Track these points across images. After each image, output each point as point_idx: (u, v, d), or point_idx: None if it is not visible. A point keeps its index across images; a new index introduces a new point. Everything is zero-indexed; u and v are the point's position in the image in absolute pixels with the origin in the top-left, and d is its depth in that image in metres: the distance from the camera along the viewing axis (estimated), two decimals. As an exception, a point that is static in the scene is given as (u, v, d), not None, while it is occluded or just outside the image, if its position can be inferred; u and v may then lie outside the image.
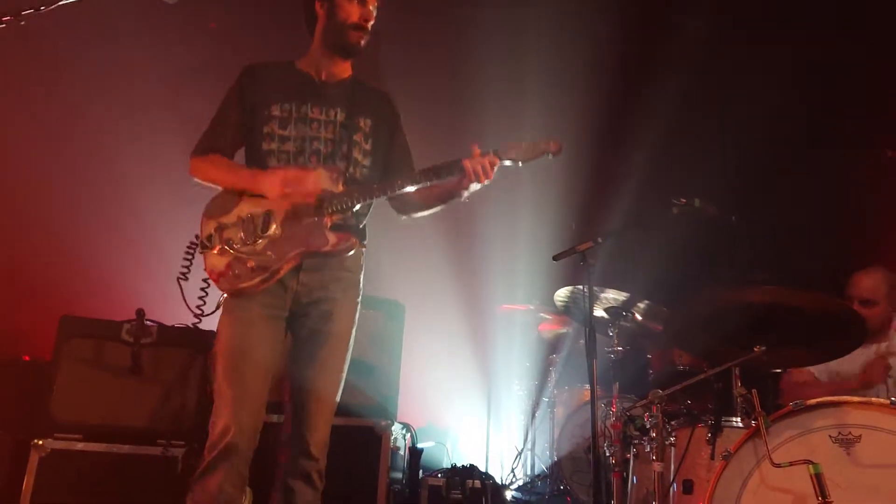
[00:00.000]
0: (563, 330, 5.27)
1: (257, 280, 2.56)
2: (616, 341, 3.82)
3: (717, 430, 2.93)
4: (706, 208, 3.29)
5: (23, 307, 4.81)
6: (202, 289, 2.71)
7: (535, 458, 5.12)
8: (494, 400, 5.46)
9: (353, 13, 2.72)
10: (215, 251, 2.61)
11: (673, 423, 3.21)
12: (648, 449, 3.19)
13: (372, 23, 2.76)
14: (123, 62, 5.00)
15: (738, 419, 3.04)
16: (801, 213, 5.02)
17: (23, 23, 2.18)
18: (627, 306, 3.85)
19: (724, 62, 5.29)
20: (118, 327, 3.69)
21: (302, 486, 2.60)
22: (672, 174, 5.14)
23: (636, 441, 3.39)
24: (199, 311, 2.74)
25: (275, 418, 3.52)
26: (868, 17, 4.88)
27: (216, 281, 2.61)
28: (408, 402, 4.24)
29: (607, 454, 3.41)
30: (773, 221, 4.94)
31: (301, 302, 2.65)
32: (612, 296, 3.79)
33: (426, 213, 2.88)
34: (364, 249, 2.81)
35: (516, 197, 5.69)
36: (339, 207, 2.61)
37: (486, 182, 2.61)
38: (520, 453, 5.18)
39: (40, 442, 3.46)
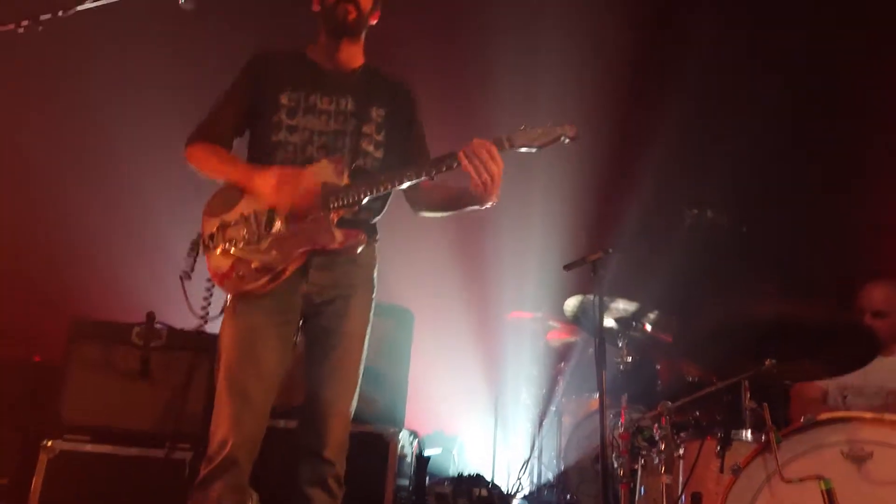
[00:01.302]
0: (572, 339, 5.25)
1: (263, 280, 2.44)
2: (625, 351, 3.81)
3: (726, 443, 2.91)
4: (718, 218, 3.29)
5: (34, 309, 4.84)
6: (207, 289, 2.59)
7: (542, 467, 5.10)
8: (502, 408, 5.44)
9: None
10: (218, 251, 2.51)
11: (682, 434, 3.19)
12: (657, 461, 3.17)
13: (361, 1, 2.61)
14: (138, 67, 5.03)
15: (748, 433, 3.02)
16: (813, 223, 4.99)
17: (41, 28, 2.20)
18: (637, 316, 3.83)
19: (735, 72, 5.27)
20: (128, 330, 3.70)
21: (318, 494, 2.48)
22: (683, 184, 5.13)
23: (644, 452, 3.37)
24: (203, 314, 2.63)
25: (281, 423, 3.56)
26: (885, 21, 4.83)
27: (220, 283, 2.51)
28: (415, 408, 4.24)
29: (615, 465, 3.39)
30: (783, 232, 4.92)
31: (314, 302, 2.54)
32: (622, 306, 3.78)
33: (442, 214, 2.72)
34: (377, 245, 2.69)
35: (526, 205, 5.68)
36: (344, 202, 2.47)
37: (491, 170, 2.37)
38: (526, 462, 5.16)
39: (49, 443, 3.48)
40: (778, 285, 4.28)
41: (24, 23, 2.18)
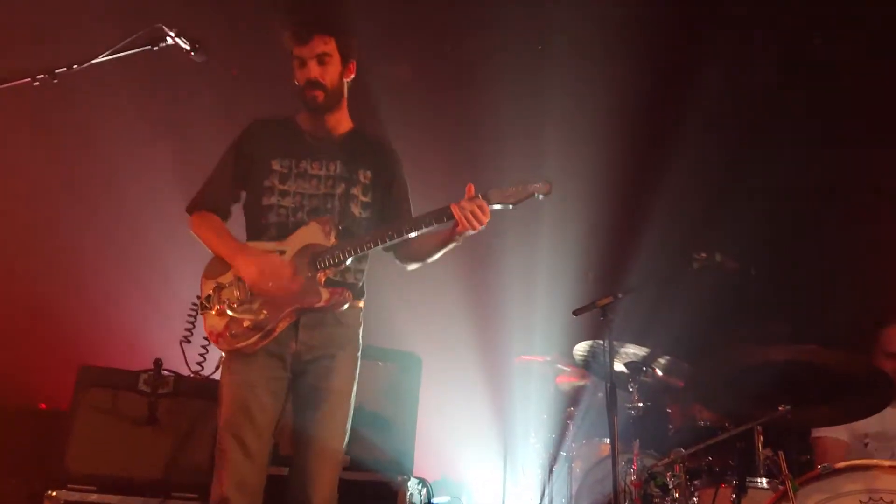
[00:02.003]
0: (582, 382, 5.20)
1: (255, 338, 2.58)
2: (636, 397, 3.77)
3: (741, 491, 2.87)
4: (726, 262, 3.28)
5: (39, 356, 4.83)
6: (203, 346, 2.79)
7: (553, 514, 5.00)
8: (511, 453, 5.37)
9: (299, 77, 2.77)
10: (214, 312, 2.65)
11: (696, 482, 3.14)
12: (671, 509, 3.12)
13: (323, 78, 2.75)
14: (148, 119, 5.10)
15: (764, 480, 2.97)
16: (825, 265, 4.97)
17: (55, 81, 2.24)
18: (648, 361, 3.81)
19: (744, 113, 5.30)
20: (135, 377, 3.68)
21: None
22: (692, 227, 5.12)
23: (657, 500, 3.31)
24: (198, 369, 2.91)
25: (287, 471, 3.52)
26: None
27: (215, 341, 2.65)
28: (423, 454, 4.18)
29: (628, 513, 3.33)
30: (795, 275, 4.90)
31: (302, 360, 2.67)
32: (633, 350, 3.75)
33: (426, 261, 2.84)
34: (362, 306, 2.82)
35: (533, 248, 5.68)
36: (331, 262, 2.62)
37: (481, 227, 2.57)
38: (537, 509, 5.07)
39: (54, 493, 3.43)
40: (791, 329, 4.24)
41: (40, 76, 2.23)
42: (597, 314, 3.13)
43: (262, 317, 2.58)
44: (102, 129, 5.07)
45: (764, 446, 3.03)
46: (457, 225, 2.58)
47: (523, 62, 5.67)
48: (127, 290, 5.02)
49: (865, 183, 5.01)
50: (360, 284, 2.81)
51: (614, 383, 3.04)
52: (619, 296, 3.10)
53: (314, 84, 2.74)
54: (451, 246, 2.71)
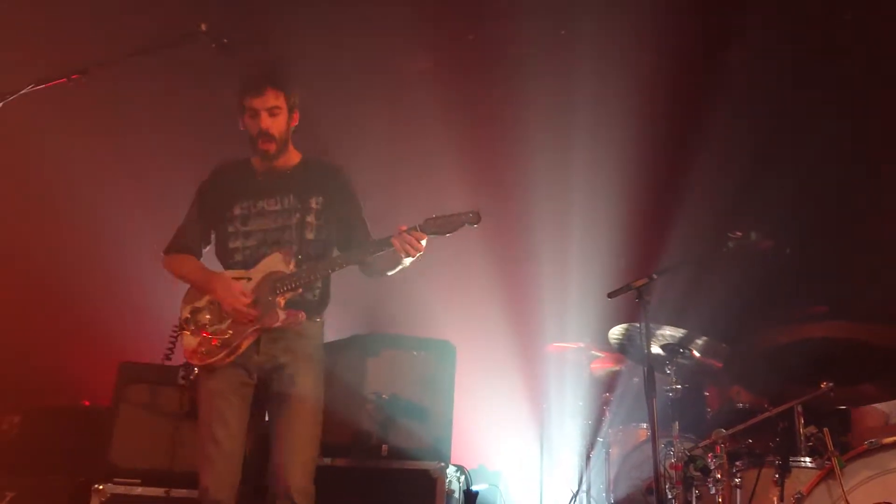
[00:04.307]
0: (617, 368, 5.17)
1: (222, 355, 2.93)
2: (674, 379, 3.73)
3: (785, 470, 2.82)
4: (761, 241, 3.23)
5: (82, 355, 4.92)
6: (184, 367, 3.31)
7: (591, 500, 4.99)
8: (547, 440, 5.35)
9: (251, 127, 3.04)
10: (189, 332, 3.01)
11: (737, 463, 3.11)
12: (713, 491, 3.09)
13: (272, 129, 3.02)
14: (192, 108, 5.15)
15: (808, 459, 2.93)
16: (862, 242, 4.87)
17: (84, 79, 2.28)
18: (685, 343, 3.77)
19: (778, 92, 5.20)
20: (174, 372, 3.74)
21: None
22: (726, 206, 5.05)
23: (698, 482, 3.28)
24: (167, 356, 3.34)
25: (328, 461, 3.57)
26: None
27: (189, 358, 3.00)
28: (460, 442, 4.18)
29: (669, 496, 3.30)
30: (832, 252, 4.81)
31: (265, 368, 2.99)
32: (669, 332, 3.71)
33: (386, 274, 3.10)
34: (321, 320, 3.13)
35: (564, 234, 5.65)
36: (289, 286, 2.94)
37: (417, 255, 2.88)
38: (575, 495, 5.05)
39: (100, 486, 3.53)
40: (828, 307, 4.16)
41: (75, 75, 2.27)
42: (631, 297, 3.10)
43: (227, 336, 2.94)
44: (139, 124, 5.14)
45: (805, 425, 2.99)
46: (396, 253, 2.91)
47: (547, 48, 5.63)
48: (165, 287, 5.09)
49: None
50: (318, 299, 3.10)
51: (652, 366, 3.01)
52: (655, 277, 3.06)
53: (266, 136, 3.02)
54: (399, 267, 3.01)
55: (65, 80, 2.30)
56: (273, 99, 3.01)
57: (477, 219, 2.87)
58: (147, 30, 4.46)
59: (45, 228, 5.16)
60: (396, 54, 5.66)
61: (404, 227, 2.86)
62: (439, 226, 2.88)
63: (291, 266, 2.98)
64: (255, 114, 3.00)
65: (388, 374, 3.85)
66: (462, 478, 4.00)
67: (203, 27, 2.58)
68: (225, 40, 2.71)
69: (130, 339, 4.84)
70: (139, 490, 3.55)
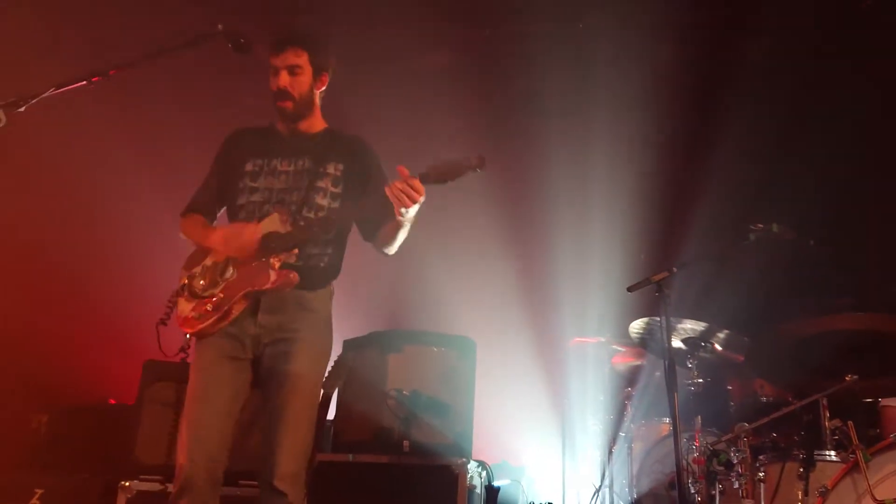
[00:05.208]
0: (638, 362, 5.14)
1: (213, 319, 2.75)
2: (696, 373, 3.71)
3: (810, 464, 2.80)
4: (784, 233, 3.19)
5: (107, 354, 4.99)
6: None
7: (614, 495, 4.97)
8: (569, 435, 5.34)
9: (272, 85, 2.94)
10: (184, 298, 2.86)
11: (761, 457, 3.08)
12: (737, 485, 3.07)
13: (292, 88, 2.91)
14: (215, 104, 5.19)
15: (832, 453, 2.90)
16: (886, 233, 4.80)
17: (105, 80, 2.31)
18: (706, 336, 3.74)
19: (795, 81, 5.13)
20: (199, 370, 3.76)
21: None
22: (746, 199, 5.00)
23: (722, 477, 3.26)
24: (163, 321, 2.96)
25: (350, 457, 3.59)
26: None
27: (182, 325, 2.83)
28: (481, 438, 4.19)
29: (692, 491, 3.29)
30: (856, 244, 4.74)
31: (261, 343, 2.78)
32: (690, 326, 3.69)
33: (392, 244, 2.88)
34: (330, 290, 2.92)
35: (584, 228, 5.63)
36: (281, 246, 2.75)
37: (415, 204, 2.64)
38: (597, 490, 5.04)
39: (127, 483, 3.57)
40: (852, 299, 4.11)
41: (95, 78, 2.30)
42: (652, 290, 3.08)
43: (219, 298, 2.76)
44: (163, 127, 5.19)
45: (830, 419, 2.95)
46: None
47: (565, 41, 5.60)
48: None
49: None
50: (325, 266, 2.90)
51: (673, 360, 3.00)
52: (675, 270, 3.04)
53: (283, 94, 2.92)
54: (402, 229, 2.79)
55: (85, 82, 2.33)
56: (294, 57, 2.91)
57: (480, 162, 2.63)
58: (167, 31, 4.50)
59: (74, 228, 5.22)
60: (412, 50, 5.67)
61: (405, 171, 2.64)
62: (440, 173, 2.65)
63: (288, 227, 2.80)
64: (276, 72, 2.91)
65: (409, 370, 3.85)
66: (484, 473, 4.00)
67: (220, 27, 2.58)
68: (242, 40, 2.71)
69: (155, 338, 4.88)
70: (164, 487, 3.58)
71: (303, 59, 2.92)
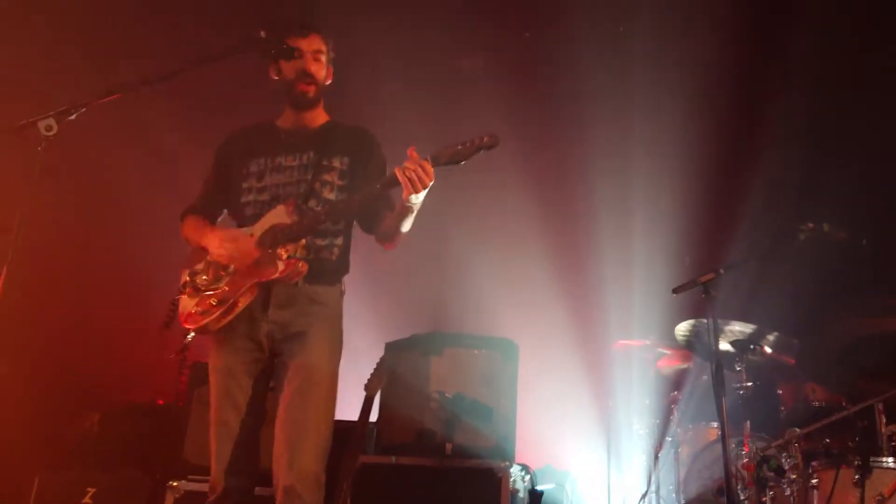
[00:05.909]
0: (684, 365, 5.06)
1: (218, 314, 2.67)
2: (744, 376, 3.64)
3: (866, 471, 2.71)
4: (835, 233, 3.11)
5: (155, 355, 5.07)
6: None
7: (661, 501, 4.89)
8: (614, 440, 5.28)
9: (290, 70, 2.87)
10: (186, 294, 2.79)
11: (814, 463, 3.00)
12: (788, 492, 2.99)
13: (318, 73, 2.89)
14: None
15: (890, 459, 2.80)
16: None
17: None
18: (755, 339, 3.66)
19: (842, 76, 5.01)
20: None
21: None
22: (794, 198, 4.89)
23: (773, 483, 3.18)
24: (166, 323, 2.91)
25: (392, 459, 3.59)
26: None
27: (185, 322, 2.76)
28: (525, 442, 4.17)
29: (741, 497, 3.21)
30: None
31: (275, 339, 2.72)
32: (738, 328, 3.62)
33: (397, 234, 2.80)
34: (341, 288, 2.86)
35: (627, 229, 5.57)
36: (288, 237, 2.69)
37: (424, 189, 2.57)
38: (644, 496, 4.97)
39: (175, 483, 3.63)
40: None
41: (113, 96, 2.36)
42: (698, 292, 3.03)
43: (224, 291, 2.69)
44: (201, 130, 5.28)
45: (887, 424, 2.86)
46: (403, 191, 2.60)
47: (606, 44, 5.56)
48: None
49: None
50: (335, 259, 2.84)
51: (720, 363, 2.94)
52: (722, 271, 2.98)
53: (309, 77, 2.88)
54: (409, 215, 2.70)
55: (119, 95, 2.38)
56: (319, 43, 2.91)
57: (493, 141, 2.54)
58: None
59: (127, 229, 5.33)
60: (452, 51, 5.67)
61: (415, 154, 2.56)
62: (451, 154, 2.57)
63: (294, 217, 2.73)
64: (301, 54, 2.83)
65: (451, 372, 3.85)
66: (527, 477, 3.98)
67: (262, 34, 2.61)
68: (285, 45, 2.74)
69: (203, 340, 4.97)
70: (212, 487, 3.63)
71: (324, 47, 2.93)
